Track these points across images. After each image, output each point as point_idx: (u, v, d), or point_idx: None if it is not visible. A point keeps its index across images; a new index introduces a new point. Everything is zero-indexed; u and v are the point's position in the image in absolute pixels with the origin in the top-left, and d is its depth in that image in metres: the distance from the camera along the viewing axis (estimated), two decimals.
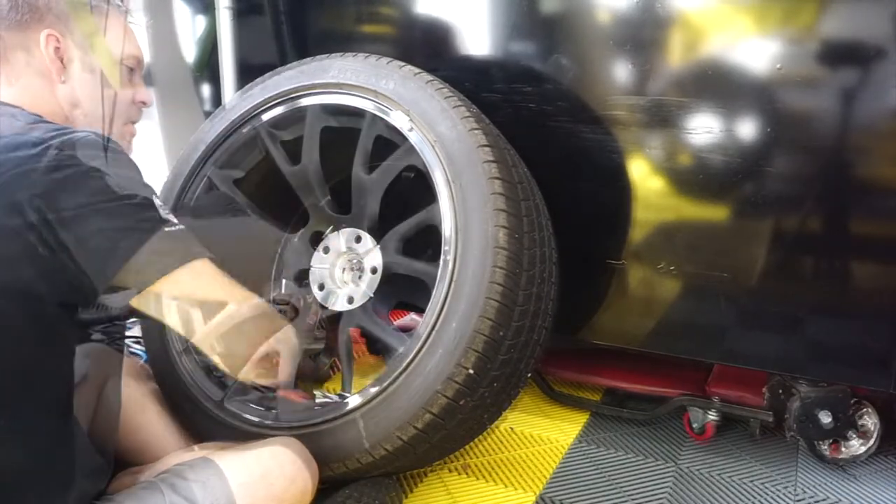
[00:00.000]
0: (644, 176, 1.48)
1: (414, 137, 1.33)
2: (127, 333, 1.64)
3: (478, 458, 1.56)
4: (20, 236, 0.89)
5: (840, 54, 1.30)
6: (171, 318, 1.01)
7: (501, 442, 1.63)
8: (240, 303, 1.06)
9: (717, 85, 1.38)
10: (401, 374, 1.21)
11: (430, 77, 1.38)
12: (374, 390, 1.22)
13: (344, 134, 1.44)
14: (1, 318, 0.91)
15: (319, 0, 1.79)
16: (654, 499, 1.41)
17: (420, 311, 1.36)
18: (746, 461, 1.56)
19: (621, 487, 1.45)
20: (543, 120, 1.52)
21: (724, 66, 1.38)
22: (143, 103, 1.25)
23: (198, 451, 1.20)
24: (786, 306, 1.43)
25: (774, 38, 1.33)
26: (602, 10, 1.47)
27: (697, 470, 1.53)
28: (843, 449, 1.51)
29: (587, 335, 1.63)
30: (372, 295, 1.42)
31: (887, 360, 1.36)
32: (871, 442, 1.50)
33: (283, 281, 1.58)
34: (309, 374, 1.63)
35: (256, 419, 1.31)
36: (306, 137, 1.46)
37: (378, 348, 1.74)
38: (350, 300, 1.44)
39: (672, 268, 1.49)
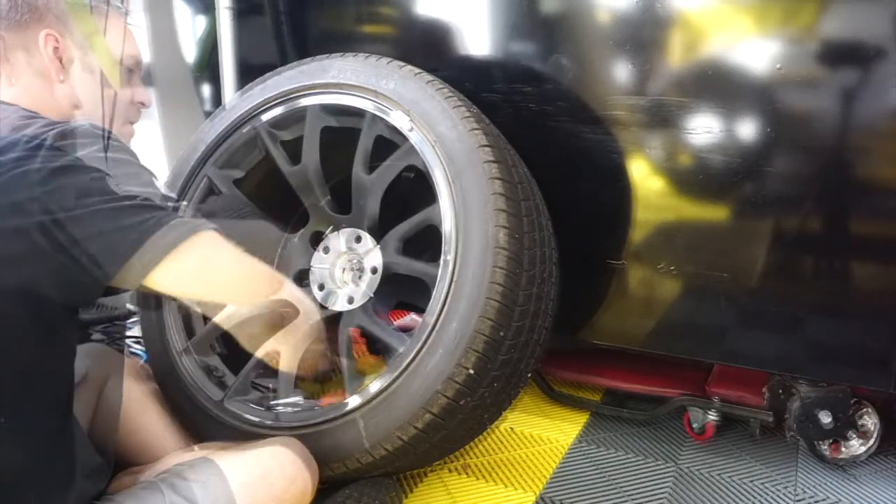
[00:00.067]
0: (644, 176, 1.48)
1: (414, 137, 1.33)
2: (127, 333, 1.64)
3: (478, 458, 1.56)
4: (20, 236, 0.89)
5: (840, 54, 1.30)
6: (193, 290, 1.03)
7: (501, 442, 1.63)
8: (256, 277, 1.08)
9: (717, 85, 1.38)
10: (401, 374, 1.21)
11: (430, 77, 1.38)
12: (374, 390, 1.23)
13: (344, 134, 1.44)
14: (1, 318, 0.90)
15: (319, 0, 1.79)
16: (654, 499, 1.41)
17: (420, 311, 1.36)
18: (746, 461, 1.56)
19: (621, 487, 1.45)
20: (543, 120, 1.52)
21: (724, 67, 1.38)
22: (142, 104, 1.25)
23: (198, 452, 1.20)
24: (786, 306, 1.43)
25: (774, 39, 1.33)
26: (602, 10, 1.47)
27: (697, 470, 1.53)
28: (843, 449, 1.51)
29: (587, 335, 1.63)
30: (372, 295, 1.41)
31: (887, 360, 1.36)
32: (871, 442, 1.50)
33: None
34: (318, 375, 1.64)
35: (256, 419, 1.31)
36: (306, 137, 1.46)
37: (378, 348, 1.74)
38: (350, 300, 1.44)
39: (672, 268, 1.49)
